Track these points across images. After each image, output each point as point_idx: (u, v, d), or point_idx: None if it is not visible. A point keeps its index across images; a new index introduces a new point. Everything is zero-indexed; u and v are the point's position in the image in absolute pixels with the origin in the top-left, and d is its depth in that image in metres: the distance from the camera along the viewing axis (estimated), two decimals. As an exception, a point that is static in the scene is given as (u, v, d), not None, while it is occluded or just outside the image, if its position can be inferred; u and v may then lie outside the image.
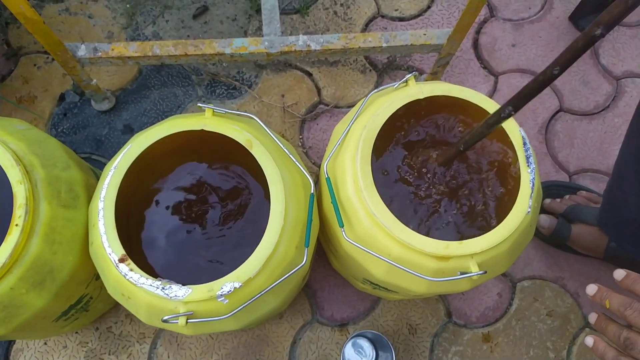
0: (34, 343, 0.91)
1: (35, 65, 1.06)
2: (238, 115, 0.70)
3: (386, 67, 1.10)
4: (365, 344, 0.89)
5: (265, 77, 1.09)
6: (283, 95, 1.08)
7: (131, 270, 0.59)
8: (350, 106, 1.08)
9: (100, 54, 0.85)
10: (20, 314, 0.63)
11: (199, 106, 0.67)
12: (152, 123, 1.04)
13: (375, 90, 0.71)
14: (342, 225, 0.64)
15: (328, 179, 0.66)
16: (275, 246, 0.61)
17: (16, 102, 1.03)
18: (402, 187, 0.72)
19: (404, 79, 0.69)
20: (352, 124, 0.69)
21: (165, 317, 0.59)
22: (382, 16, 1.14)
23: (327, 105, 1.07)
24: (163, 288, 0.59)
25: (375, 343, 0.91)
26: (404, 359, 0.93)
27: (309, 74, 1.09)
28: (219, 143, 0.66)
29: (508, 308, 0.97)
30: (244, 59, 0.89)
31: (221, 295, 0.59)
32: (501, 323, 0.97)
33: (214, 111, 0.67)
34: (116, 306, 0.93)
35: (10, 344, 0.91)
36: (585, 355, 0.95)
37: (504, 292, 0.98)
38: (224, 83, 1.08)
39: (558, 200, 0.99)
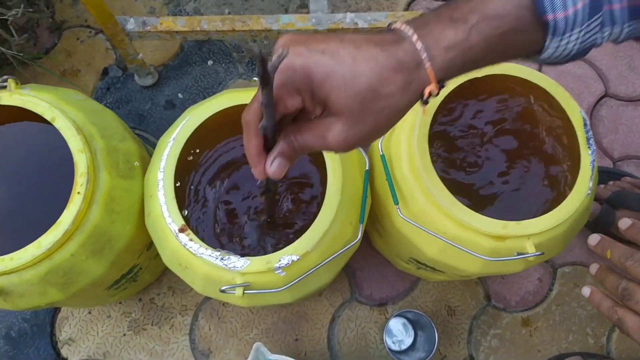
0: (79, 312, 0.93)
1: (78, 39, 1.07)
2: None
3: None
4: (404, 324, 0.89)
5: (306, 55, 1.08)
6: (324, 74, 1.07)
7: (191, 240, 0.60)
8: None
9: (148, 27, 0.85)
10: (79, 280, 0.64)
11: (253, 80, 0.67)
12: (194, 99, 1.05)
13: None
14: (397, 203, 0.64)
15: (383, 157, 0.66)
16: (332, 221, 0.61)
17: (60, 75, 1.04)
18: (450, 167, 0.71)
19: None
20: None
21: (223, 287, 0.60)
22: None
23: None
24: (222, 258, 0.59)
25: (415, 323, 0.91)
26: (443, 340, 0.93)
27: (351, 53, 1.08)
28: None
29: (548, 293, 0.97)
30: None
31: (279, 267, 0.60)
32: (541, 308, 0.96)
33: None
34: (159, 278, 0.95)
35: (55, 311, 0.94)
36: (625, 343, 0.95)
37: (545, 277, 0.98)
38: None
39: (602, 186, 0.98)
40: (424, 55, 0.36)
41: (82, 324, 0.93)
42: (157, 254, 0.82)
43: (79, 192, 0.60)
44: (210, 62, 1.07)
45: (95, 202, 0.62)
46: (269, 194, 0.55)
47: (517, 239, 0.61)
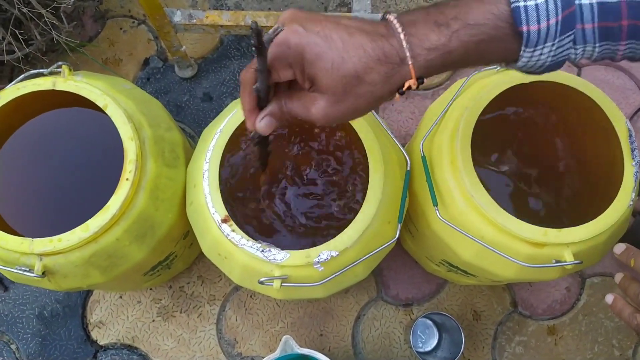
0: (110, 295, 0.96)
1: (121, 29, 1.09)
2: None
3: (465, 52, 1.09)
4: (429, 325, 0.90)
5: (342, 54, 1.09)
6: (359, 74, 1.08)
7: (233, 231, 0.61)
8: (428, 89, 1.07)
9: (194, 20, 0.87)
10: (121, 264, 0.66)
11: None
12: (231, 93, 1.06)
13: (475, 71, 0.70)
14: (436, 205, 0.65)
15: (424, 158, 0.67)
16: (372, 219, 0.62)
17: (102, 63, 1.06)
18: (487, 172, 0.72)
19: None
20: (451, 104, 0.69)
21: (262, 279, 0.61)
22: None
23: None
24: (262, 250, 0.60)
25: (440, 326, 0.92)
26: (467, 344, 0.94)
27: (387, 54, 1.09)
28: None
29: (575, 303, 0.96)
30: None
31: (317, 262, 0.60)
32: (567, 317, 0.96)
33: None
34: (190, 267, 0.96)
35: (87, 294, 0.96)
36: (652, 357, 0.94)
37: (573, 287, 0.97)
38: (301, 58, 1.09)
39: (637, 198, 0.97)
40: (408, 54, 0.40)
41: (113, 307, 0.95)
42: (192, 243, 0.84)
43: (127, 179, 0.62)
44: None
45: (141, 189, 0.64)
46: (260, 146, 0.58)
47: (555, 247, 0.61)
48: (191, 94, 1.06)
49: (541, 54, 0.40)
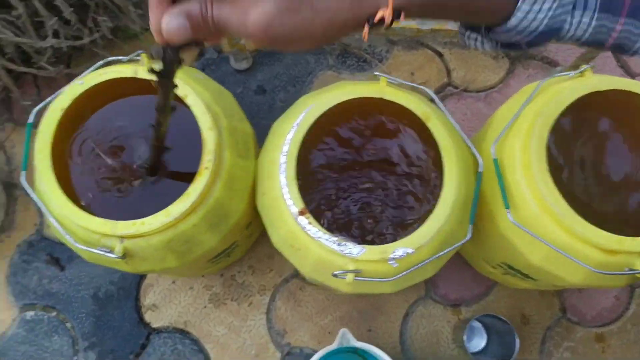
0: (164, 280, 0.97)
1: (180, 19, 1.10)
2: (411, 87, 0.71)
3: (519, 56, 1.08)
4: (478, 327, 0.91)
5: (396, 53, 1.09)
6: (413, 73, 1.08)
7: (309, 223, 0.62)
8: (480, 91, 1.07)
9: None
10: (195, 250, 0.68)
11: (375, 74, 0.69)
12: (284, 87, 1.07)
13: (550, 77, 0.70)
14: (508, 207, 0.65)
15: (496, 161, 0.67)
16: (447, 218, 0.62)
17: (161, 52, 1.07)
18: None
19: (581, 69, 0.68)
20: (523, 109, 0.69)
21: (336, 272, 0.62)
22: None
23: (456, 88, 1.07)
24: (339, 244, 0.62)
25: (490, 328, 0.92)
26: (514, 346, 0.94)
27: (440, 55, 1.09)
28: (381, 111, 0.69)
29: (625, 312, 0.96)
30: (392, 33, 0.90)
31: (393, 258, 0.61)
32: (616, 325, 0.96)
33: (387, 81, 0.69)
34: (241, 257, 0.98)
35: (142, 278, 0.98)
36: (701, 370, 0.94)
37: (622, 296, 0.97)
38: (355, 55, 1.09)
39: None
40: None
41: (166, 292, 0.97)
42: (252, 233, 0.85)
43: (206, 168, 0.63)
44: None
45: (218, 178, 0.65)
46: (164, 71, 0.43)
47: (629, 255, 0.62)
48: (245, 86, 1.07)
49: (539, 12, 0.36)
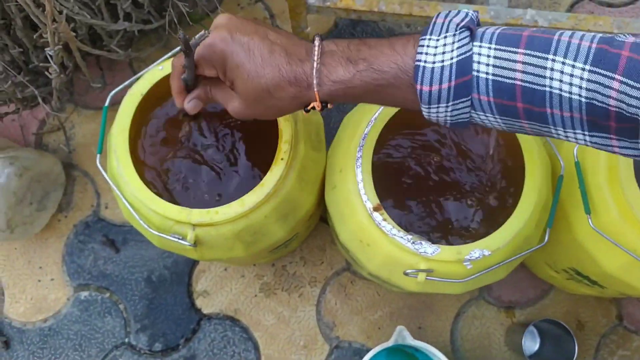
0: (216, 267, 0.98)
1: (238, 4, 1.10)
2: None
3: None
4: (532, 331, 0.89)
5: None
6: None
7: (384, 220, 0.61)
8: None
9: (328, 3, 0.86)
10: (263, 241, 0.68)
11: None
12: (342, 77, 1.06)
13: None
14: (589, 213, 0.63)
15: (578, 164, 0.65)
16: (526, 221, 0.61)
17: (219, 39, 1.07)
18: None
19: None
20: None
21: (408, 271, 0.61)
22: (590, -1, 1.08)
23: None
24: (413, 242, 0.60)
25: (544, 333, 0.90)
26: (569, 352, 0.92)
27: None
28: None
29: (686, 324, 0.94)
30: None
31: (468, 259, 0.60)
32: (675, 337, 0.93)
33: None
34: (294, 248, 0.98)
35: (194, 264, 0.98)
36: None
37: (683, 307, 0.94)
38: (414, 47, 1.07)
39: None
40: (315, 81, 0.44)
41: (217, 279, 0.98)
42: (311, 225, 0.85)
43: (282, 159, 0.62)
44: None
45: (292, 169, 0.64)
46: (187, 117, 0.68)
47: None
48: (303, 75, 1.06)
49: (437, 113, 0.42)
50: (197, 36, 0.46)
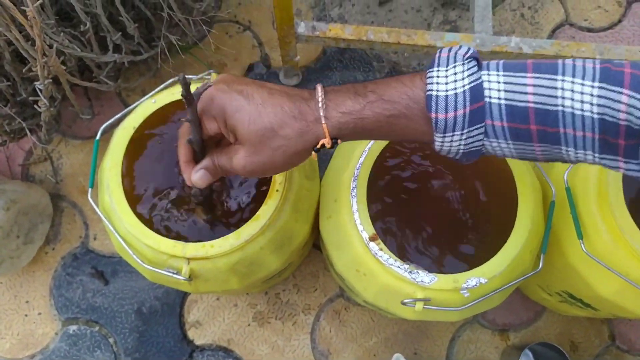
0: (208, 296, 0.97)
1: (227, 33, 1.11)
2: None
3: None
4: (526, 354, 0.89)
5: (443, 72, 1.09)
6: (460, 93, 1.07)
7: (381, 249, 0.61)
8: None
9: (317, 32, 0.87)
10: (258, 272, 0.67)
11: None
12: (331, 103, 1.07)
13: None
14: (581, 238, 0.64)
15: (568, 189, 0.66)
16: (521, 248, 0.61)
17: (209, 66, 1.07)
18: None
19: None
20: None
21: (406, 300, 0.61)
22: (570, 24, 1.11)
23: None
24: (410, 272, 0.60)
25: (538, 354, 0.91)
26: (564, 374, 0.92)
27: (489, 75, 1.08)
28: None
29: (677, 342, 0.94)
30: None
31: (465, 288, 0.60)
32: (668, 356, 0.94)
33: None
34: (288, 276, 0.97)
35: (185, 294, 0.97)
36: None
37: (674, 325, 0.95)
38: (403, 73, 1.09)
39: None
40: (322, 113, 0.42)
41: (210, 309, 0.96)
42: (304, 253, 0.84)
43: (277, 190, 0.62)
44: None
45: (287, 200, 0.64)
46: (204, 200, 0.62)
47: None
48: (292, 102, 1.07)
49: (452, 141, 0.41)
50: (199, 86, 0.45)
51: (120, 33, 0.75)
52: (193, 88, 0.65)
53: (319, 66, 1.09)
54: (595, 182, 0.64)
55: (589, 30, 1.11)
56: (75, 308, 0.96)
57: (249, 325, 0.95)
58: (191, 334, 0.95)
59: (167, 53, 0.97)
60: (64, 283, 0.97)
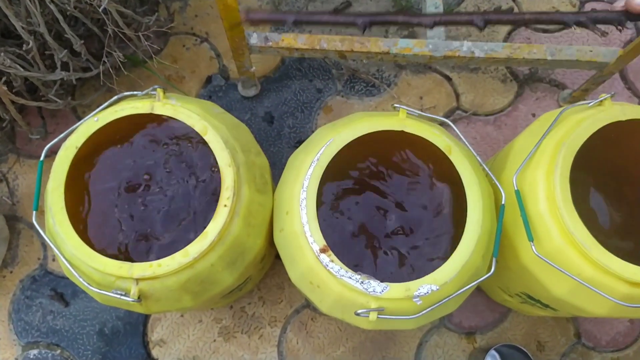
0: (172, 314, 0.95)
1: (184, 46, 1.09)
2: (430, 118, 0.70)
3: (527, 79, 1.09)
4: (493, 356, 0.89)
5: (404, 77, 1.09)
6: (421, 97, 1.08)
7: (332, 261, 0.61)
8: (489, 115, 1.07)
9: (270, 43, 0.87)
10: (211, 289, 0.66)
11: (394, 106, 0.68)
12: (292, 113, 1.06)
13: (569, 106, 0.70)
14: (532, 240, 0.64)
15: (518, 192, 0.66)
16: (471, 254, 0.61)
17: (166, 79, 1.06)
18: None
19: (600, 98, 0.68)
20: (544, 139, 0.68)
21: (359, 311, 0.61)
22: (526, 26, 1.12)
23: (465, 112, 1.07)
24: (362, 282, 0.60)
25: (505, 356, 0.91)
26: (531, 374, 0.93)
27: (449, 79, 1.09)
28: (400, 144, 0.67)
29: (640, 336, 0.96)
30: (406, 60, 0.90)
31: (417, 296, 0.60)
32: (631, 350, 0.95)
33: (407, 112, 0.68)
34: (251, 289, 0.96)
35: (149, 312, 0.95)
36: None
37: (636, 320, 0.96)
38: (363, 80, 1.09)
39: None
40: None
41: (174, 326, 0.95)
42: (264, 266, 0.83)
43: (225, 205, 0.62)
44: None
45: (237, 215, 0.63)
46: None
47: (656, 287, 0.61)
48: (252, 112, 1.06)
49: None
50: None
51: (66, 50, 0.74)
52: (140, 103, 0.65)
53: (278, 76, 1.08)
54: (544, 187, 0.64)
55: (545, 31, 1.13)
56: (36, 332, 0.94)
57: (214, 340, 0.94)
58: (155, 352, 0.94)
59: (123, 67, 0.96)
60: (22, 307, 0.95)
